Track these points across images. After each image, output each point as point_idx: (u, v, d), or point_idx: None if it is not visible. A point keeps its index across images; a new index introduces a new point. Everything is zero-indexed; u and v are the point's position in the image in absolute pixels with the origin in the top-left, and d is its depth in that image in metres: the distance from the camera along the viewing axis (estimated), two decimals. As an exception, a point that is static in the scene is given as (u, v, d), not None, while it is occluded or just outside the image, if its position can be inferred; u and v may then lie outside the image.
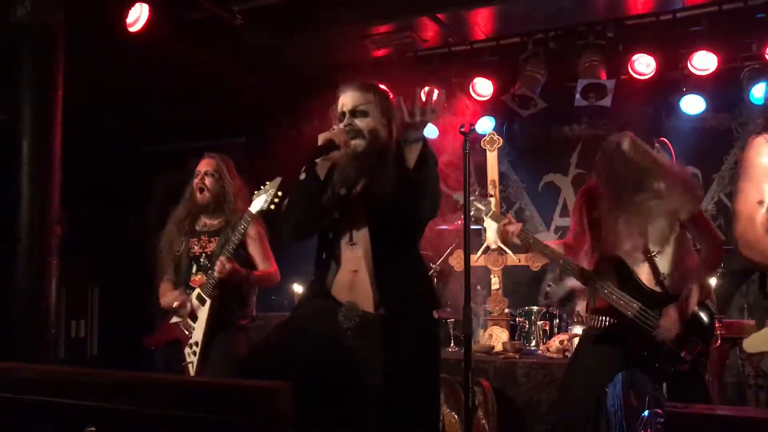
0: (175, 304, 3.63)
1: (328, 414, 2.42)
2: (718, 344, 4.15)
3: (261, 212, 3.54)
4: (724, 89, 5.43)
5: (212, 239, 3.70)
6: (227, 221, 3.69)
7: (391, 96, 2.73)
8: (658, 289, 3.01)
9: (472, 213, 3.36)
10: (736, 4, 4.81)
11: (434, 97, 2.37)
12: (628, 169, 3.04)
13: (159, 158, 7.20)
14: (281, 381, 1.96)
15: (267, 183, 3.59)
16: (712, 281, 4.21)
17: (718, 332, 4.19)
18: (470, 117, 5.99)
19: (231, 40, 5.27)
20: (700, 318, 2.92)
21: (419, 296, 2.53)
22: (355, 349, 2.42)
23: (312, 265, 2.66)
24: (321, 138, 2.50)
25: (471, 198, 3.29)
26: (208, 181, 3.73)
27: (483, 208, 3.39)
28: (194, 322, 3.59)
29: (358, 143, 2.55)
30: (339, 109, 2.64)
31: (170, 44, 5.00)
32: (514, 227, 3.25)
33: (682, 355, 2.88)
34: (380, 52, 5.71)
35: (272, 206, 3.49)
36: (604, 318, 3.11)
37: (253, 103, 6.03)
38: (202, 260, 3.66)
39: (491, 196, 4.63)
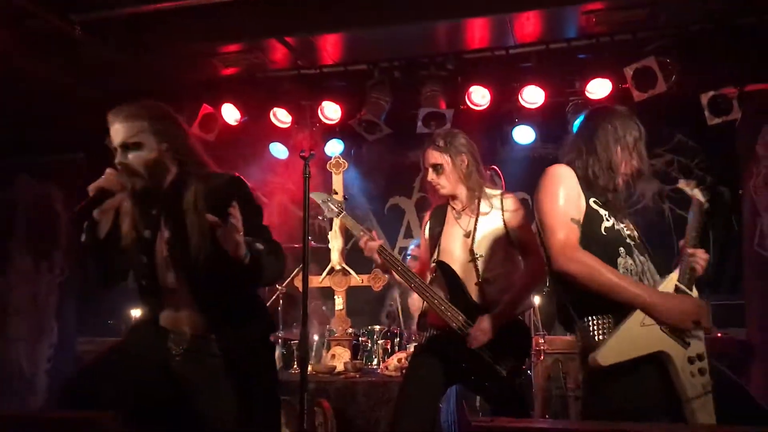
0: None
1: None
2: (542, 359, 4.48)
3: None
4: (552, 121, 5.82)
5: None
6: None
7: (169, 111, 2.49)
8: (477, 294, 3.17)
9: (325, 213, 3.44)
10: (561, 45, 5.24)
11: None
12: None
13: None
14: (107, 408, 1.93)
15: None
16: (536, 299, 4.57)
17: (543, 348, 4.53)
18: (319, 140, 6.10)
19: (69, 52, 5.04)
20: (515, 337, 3.12)
21: (251, 321, 2.51)
22: (184, 374, 2.38)
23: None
24: (91, 189, 2.28)
25: (325, 198, 3.43)
26: None
27: (335, 209, 3.39)
28: None
29: (134, 182, 2.36)
30: (112, 144, 2.40)
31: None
32: (375, 243, 3.23)
33: (498, 371, 3.05)
34: (229, 71, 5.68)
35: None
36: (431, 330, 3.25)
37: (94, 118, 5.76)
38: None
39: (339, 196, 4.67)
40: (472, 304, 3.14)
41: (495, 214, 3.26)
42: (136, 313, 4.88)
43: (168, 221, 2.42)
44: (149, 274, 2.45)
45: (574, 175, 2.44)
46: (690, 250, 2.45)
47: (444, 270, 3.22)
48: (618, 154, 2.46)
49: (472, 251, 3.20)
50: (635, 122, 2.53)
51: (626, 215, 2.52)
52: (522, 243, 3.24)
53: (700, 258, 2.45)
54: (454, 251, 3.26)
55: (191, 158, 2.46)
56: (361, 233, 3.28)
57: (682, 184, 2.68)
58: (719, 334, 4.61)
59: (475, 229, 3.23)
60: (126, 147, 2.36)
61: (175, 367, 2.39)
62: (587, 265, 2.27)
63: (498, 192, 3.32)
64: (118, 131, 2.37)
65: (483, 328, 3.03)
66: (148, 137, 2.37)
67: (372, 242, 3.23)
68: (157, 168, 2.39)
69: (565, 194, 2.38)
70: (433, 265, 3.31)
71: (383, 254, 3.23)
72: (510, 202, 3.27)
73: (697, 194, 2.61)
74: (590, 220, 2.38)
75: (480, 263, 3.19)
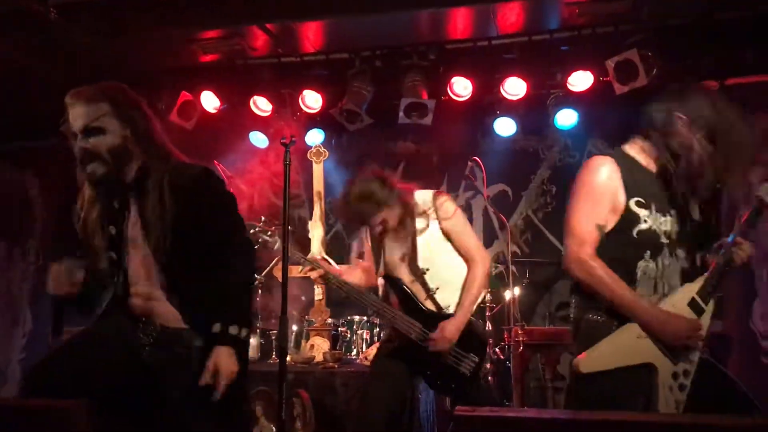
0: None
1: (128, 428, 2.33)
2: (520, 350, 4.48)
3: None
4: (533, 114, 5.80)
5: None
6: None
7: (131, 94, 2.35)
8: (431, 306, 3.20)
9: (259, 244, 3.27)
10: (544, 36, 5.22)
11: None
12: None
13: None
14: (76, 397, 1.87)
15: None
16: (516, 290, 4.57)
17: (522, 339, 4.53)
18: (299, 129, 6.04)
19: (45, 36, 4.93)
20: (473, 336, 3.16)
21: (222, 312, 2.39)
22: (153, 363, 2.31)
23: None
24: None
25: (255, 228, 3.28)
26: None
27: (268, 239, 3.27)
28: None
29: (95, 168, 2.23)
30: (71, 129, 2.24)
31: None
32: (316, 273, 3.26)
33: (462, 372, 3.12)
34: (208, 58, 5.59)
35: None
36: (395, 336, 3.27)
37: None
38: None
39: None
40: (427, 313, 3.18)
41: (432, 226, 3.21)
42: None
43: (132, 217, 2.34)
44: (118, 271, 2.38)
45: (616, 169, 2.36)
46: (738, 239, 2.43)
47: (392, 284, 3.24)
48: (701, 146, 2.31)
49: (417, 268, 3.20)
50: (747, 122, 2.35)
51: (678, 204, 2.41)
52: (463, 248, 3.22)
53: (744, 250, 2.44)
54: (398, 267, 3.25)
55: (156, 149, 2.33)
56: (302, 261, 3.26)
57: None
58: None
59: (413, 248, 3.19)
60: (88, 132, 2.21)
61: (144, 356, 2.33)
62: (596, 276, 2.32)
63: (429, 194, 3.24)
64: (78, 115, 2.22)
65: (442, 335, 3.07)
66: (111, 121, 2.24)
67: (314, 272, 3.24)
68: (122, 156, 2.27)
69: (597, 196, 2.36)
70: (381, 279, 3.31)
71: (328, 281, 3.25)
72: (445, 208, 3.20)
73: (763, 191, 2.50)
74: (625, 222, 2.35)
75: (427, 276, 3.20)
